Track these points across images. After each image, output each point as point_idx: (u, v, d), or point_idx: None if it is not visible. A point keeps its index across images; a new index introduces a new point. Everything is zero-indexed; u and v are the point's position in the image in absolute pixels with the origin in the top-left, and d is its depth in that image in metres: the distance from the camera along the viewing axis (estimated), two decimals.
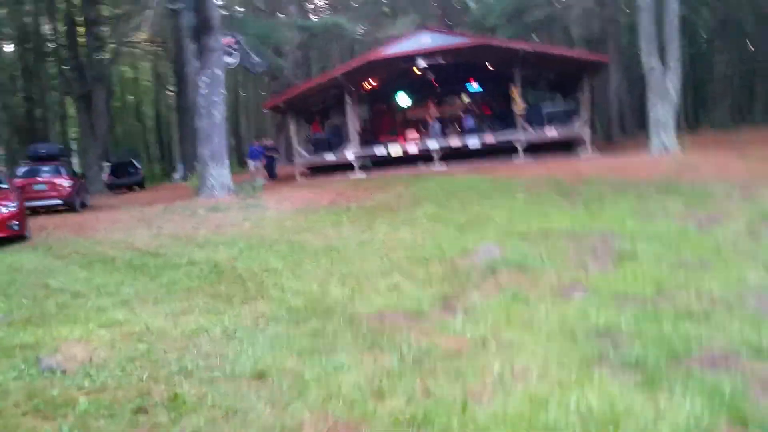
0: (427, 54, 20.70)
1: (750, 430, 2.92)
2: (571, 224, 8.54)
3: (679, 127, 20.17)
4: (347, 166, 21.18)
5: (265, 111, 31.22)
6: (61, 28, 26.88)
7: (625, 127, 29.91)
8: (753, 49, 31.93)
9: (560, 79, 25.24)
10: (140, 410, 3.65)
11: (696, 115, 35.48)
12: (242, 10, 32.31)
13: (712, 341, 4.00)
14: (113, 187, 25.35)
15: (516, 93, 21.68)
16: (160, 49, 38.19)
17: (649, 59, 17.78)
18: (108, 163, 26.51)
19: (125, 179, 26.42)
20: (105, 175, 25.77)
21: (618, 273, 5.99)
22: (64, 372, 4.22)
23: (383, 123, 26.27)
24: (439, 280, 6.31)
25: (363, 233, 9.44)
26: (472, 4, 36.59)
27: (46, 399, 3.77)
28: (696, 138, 22.50)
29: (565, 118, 21.75)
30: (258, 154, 22.87)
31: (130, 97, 47.09)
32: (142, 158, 37.49)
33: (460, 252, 7.37)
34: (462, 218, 9.88)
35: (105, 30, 27.44)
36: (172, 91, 40.17)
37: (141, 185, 26.74)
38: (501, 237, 8.00)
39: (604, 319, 4.66)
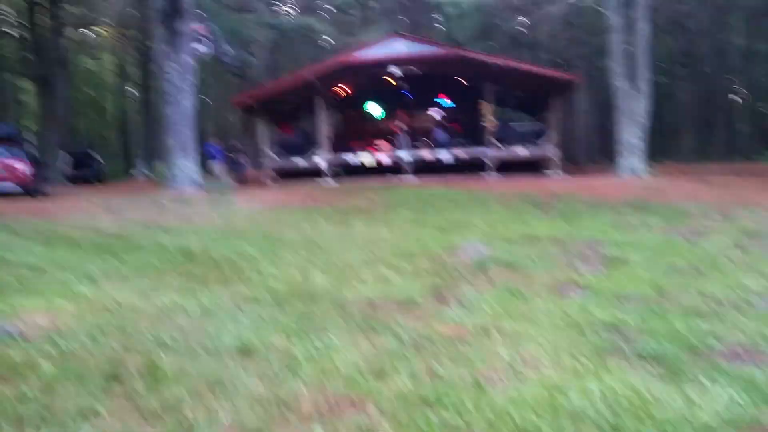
0: (399, 61, 20.56)
1: None
2: (554, 232, 8.42)
3: (647, 153, 20.55)
4: (317, 172, 20.80)
5: (233, 109, 30.56)
6: (22, 5, 25.80)
7: (592, 150, 30.43)
8: (712, 82, 33.02)
9: (530, 99, 25.49)
10: (113, 378, 3.26)
11: (658, 145, 36.41)
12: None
13: (730, 337, 3.84)
14: (72, 179, 24.28)
15: (487, 109, 21.76)
16: (124, 37, 37.22)
17: (618, 81, 18.03)
18: (67, 154, 25.44)
19: (85, 172, 25.38)
20: (64, 167, 24.68)
21: (612, 275, 5.84)
22: (25, 339, 3.77)
23: (354, 130, 25.99)
24: (427, 273, 6.06)
25: (341, 229, 9.13)
26: (442, 19, 36.97)
27: (5, 363, 3.33)
28: (661, 166, 22.97)
29: (534, 137, 21.93)
30: (216, 154, 21.44)
31: (91, 92, 45.73)
32: (103, 153, 36.25)
33: (446, 249, 7.14)
34: (441, 222, 9.67)
35: (68, 11, 26.42)
36: (137, 84, 39.07)
37: (101, 179, 25.75)
38: (485, 239, 7.80)
39: (608, 315, 4.48)
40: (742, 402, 2.88)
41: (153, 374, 3.33)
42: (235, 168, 21.38)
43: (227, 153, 21.84)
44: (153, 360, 3.50)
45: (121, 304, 4.72)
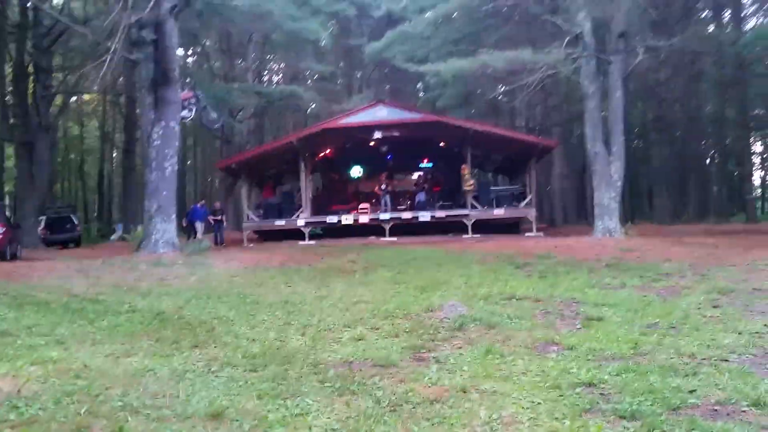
0: (382, 126, 21.03)
1: None
2: (532, 291, 8.42)
3: (622, 214, 20.89)
4: (297, 233, 20.81)
5: (217, 170, 30.70)
6: (9, 72, 26.06)
7: (567, 212, 30.88)
8: (685, 146, 34.01)
9: (508, 162, 26.06)
10: None
11: (633, 207, 37.10)
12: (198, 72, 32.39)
13: (708, 394, 3.82)
14: (48, 243, 23.95)
15: (466, 171, 22.15)
16: (110, 104, 37.68)
17: (594, 145, 18.49)
18: (44, 217, 25.19)
19: (61, 235, 25.06)
20: (40, 230, 24.37)
21: (589, 334, 5.82)
22: None
23: (336, 192, 26.21)
24: (405, 333, 5.99)
25: (319, 290, 9.04)
26: (423, 87, 38.00)
27: None
28: (636, 227, 23.31)
29: (512, 199, 22.30)
30: (202, 215, 21.40)
31: (73, 156, 45.80)
32: (81, 217, 35.95)
33: (424, 309, 7.09)
34: (420, 281, 9.63)
35: (55, 78, 26.79)
36: (119, 148, 39.26)
37: (77, 242, 25.41)
38: (464, 298, 7.77)
39: (586, 373, 4.44)
40: None
41: None
42: (217, 230, 21.26)
43: (212, 215, 21.75)
44: (120, 425, 3.39)
45: (90, 369, 4.59)
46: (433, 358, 5.05)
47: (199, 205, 22.48)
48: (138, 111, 28.10)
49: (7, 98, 25.50)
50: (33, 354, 5.09)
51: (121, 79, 31.23)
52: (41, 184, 25.19)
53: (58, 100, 29.02)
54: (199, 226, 20.87)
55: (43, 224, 24.88)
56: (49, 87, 25.17)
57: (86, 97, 39.02)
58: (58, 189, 43.34)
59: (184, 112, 16.99)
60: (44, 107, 24.52)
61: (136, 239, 17.34)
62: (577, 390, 4.09)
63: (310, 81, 41.08)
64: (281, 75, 43.99)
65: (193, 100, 17.51)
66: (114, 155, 45.61)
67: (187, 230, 21.62)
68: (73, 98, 35.48)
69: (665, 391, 3.88)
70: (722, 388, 3.90)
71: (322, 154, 24.71)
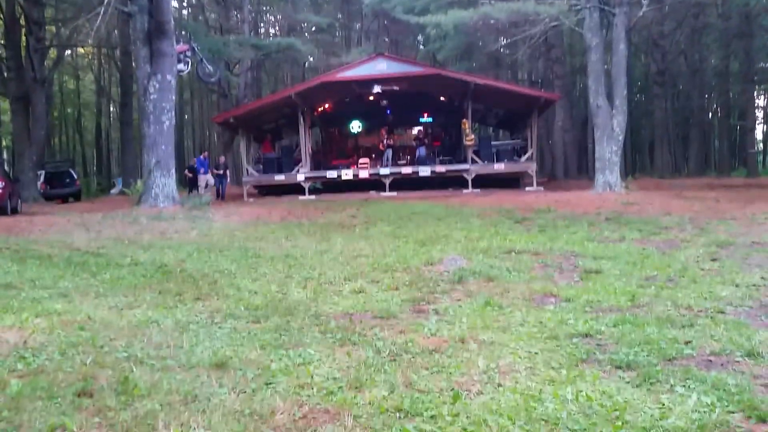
0: (382, 80, 20.77)
1: None
2: (532, 244, 8.46)
3: (624, 168, 20.85)
4: (297, 188, 20.81)
5: (215, 125, 30.46)
6: (1, 25, 25.56)
7: (568, 166, 30.79)
8: (687, 100, 33.76)
9: (509, 116, 25.84)
10: (84, 393, 3.20)
11: (634, 161, 37.03)
12: (194, 23, 31.75)
13: (703, 345, 3.88)
14: (48, 197, 23.95)
15: (467, 126, 22.00)
16: (105, 57, 37.12)
17: (596, 98, 18.31)
18: (43, 171, 25.13)
19: (61, 189, 25.04)
20: (39, 184, 24.34)
21: (587, 286, 5.88)
22: None
23: (335, 147, 26.10)
24: (405, 286, 6.05)
25: (319, 244, 9.09)
26: (423, 40, 37.38)
27: None
28: (636, 181, 23.30)
29: (512, 153, 22.21)
30: (206, 166, 21.25)
31: (70, 110, 45.36)
32: (80, 171, 35.84)
33: (424, 262, 7.15)
34: (420, 236, 9.67)
35: (48, 31, 26.32)
36: (116, 102, 38.84)
37: (77, 197, 25.40)
38: (464, 252, 7.83)
39: (583, 324, 4.51)
40: (713, 407, 2.91)
41: (125, 389, 3.27)
42: (219, 183, 21.21)
43: (215, 169, 21.68)
44: (125, 375, 3.45)
45: (94, 320, 4.65)
46: (433, 310, 5.11)
47: (202, 156, 22.26)
48: (133, 64, 27.73)
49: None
50: (37, 306, 5.15)
51: (115, 31, 30.67)
52: (38, 139, 25.05)
53: (52, 53, 28.61)
54: (203, 178, 20.73)
55: (42, 178, 24.84)
56: (42, 40, 24.74)
57: (81, 50, 38.43)
58: (56, 143, 43.13)
59: (180, 65, 16.77)
60: (38, 60, 24.16)
61: (136, 193, 17.32)
62: (574, 340, 4.15)
63: (307, 33, 40.36)
64: (278, 27, 43.18)
65: (188, 53, 17.25)
66: (111, 109, 45.19)
67: (190, 182, 21.62)
68: (68, 51, 34.96)
69: (661, 342, 3.94)
70: (718, 340, 3.96)
71: (321, 109, 24.48)
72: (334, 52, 35.46)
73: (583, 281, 6.17)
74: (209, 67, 18.66)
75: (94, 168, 46.52)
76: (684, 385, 3.22)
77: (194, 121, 47.91)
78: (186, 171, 22.82)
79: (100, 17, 15.70)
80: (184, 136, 44.48)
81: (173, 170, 15.86)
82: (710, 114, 39.09)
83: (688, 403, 2.97)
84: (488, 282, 6.15)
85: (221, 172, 21.46)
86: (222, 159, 22.98)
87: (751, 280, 5.77)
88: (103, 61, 40.08)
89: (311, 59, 38.47)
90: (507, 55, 32.90)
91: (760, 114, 44.40)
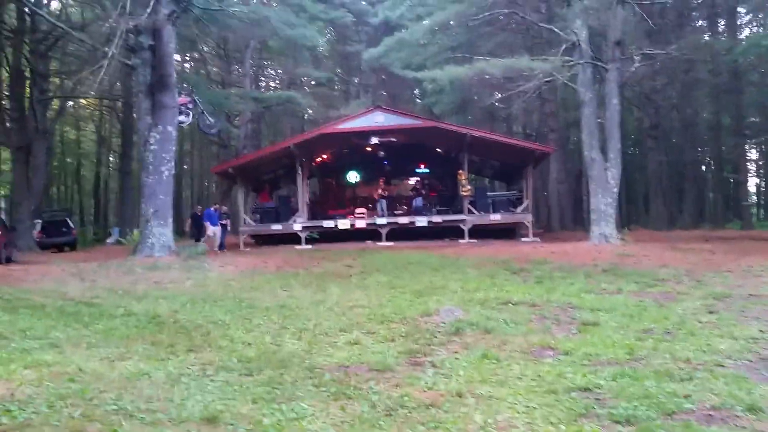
0: (379, 132, 21.06)
1: None
2: (529, 296, 8.42)
3: (619, 220, 20.94)
4: (293, 238, 20.80)
5: (214, 175, 30.65)
6: (6, 76, 26.03)
7: (564, 218, 30.92)
8: (681, 153, 34.18)
9: (505, 168, 26.09)
10: None
11: (630, 213, 37.19)
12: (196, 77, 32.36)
13: (702, 399, 3.82)
14: (44, 246, 23.85)
15: (463, 177, 22.18)
16: (107, 108, 37.63)
17: (590, 151, 18.55)
18: (40, 221, 25.12)
19: (57, 238, 24.97)
20: (36, 233, 24.30)
21: (585, 339, 5.83)
22: None
23: (332, 197, 26.23)
24: (401, 337, 5.99)
25: (315, 294, 9.02)
26: (420, 94, 38.09)
27: None
28: (632, 233, 23.36)
29: (508, 204, 22.33)
30: (215, 219, 20.12)
31: (69, 160, 45.78)
32: (77, 220, 35.81)
33: (421, 313, 7.09)
34: (417, 286, 9.62)
35: (52, 83, 26.80)
36: (115, 152, 39.23)
37: (73, 246, 25.30)
38: (460, 303, 7.77)
39: (582, 378, 4.45)
40: None
41: None
42: (221, 234, 20.89)
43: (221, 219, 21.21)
44: (114, 429, 3.37)
45: (85, 372, 4.57)
46: (429, 362, 5.05)
47: (213, 208, 21.07)
48: (135, 115, 28.09)
49: (3, 102, 25.45)
50: (27, 357, 5.07)
51: (118, 84, 31.21)
52: (37, 188, 25.15)
53: (55, 104, 29.00)
54: (214, 230, 19.68)
55: (39, 227, 24.80)
56: (46, 91, 25.17)
57: (83, 101, 38.99)
58: (54, 193, 43.25)
59: (181, 117, 16.98)
60: (41, 111, 24.49)
61: (133, 243, 17.28)
62: (573, 395, 4.09)
63: (307, 87, 41.11)
64: (278, 81, 44.01)
65: (190, 105, 17.50)
66: (111, 159, 45.53)
67: (193, 232, 21.18)
68: (70, 103, 35.46)
69: (660, 396, 3.89)
70: (717, 393, 3.91)
71: (319, 159, 24.72)
72: (333, 105, 36.09)
73: (581, 333, 6.12)
74: (210, 119, 18.91)
75: (92, 217, 46.53)
76: None
77: (193, 172, 48.22)
78: (189, 219, 22.48)
79: (103, 69, 15.99)
80: (183, 186, 44.69)
81: (170, 220, 15.87)
82: (704, 167, 39.54)
83: None
84: (485, 334, 6.09)
85: (224, 222, 21.18)
86: (224, 208, 22.64)
87: (749, 333, 5.73)
88: (104, 112, 40.60)
89: (310, 112, 39.05)
90: (502, 109, 33.48)
91: (752, 167, 44.97)
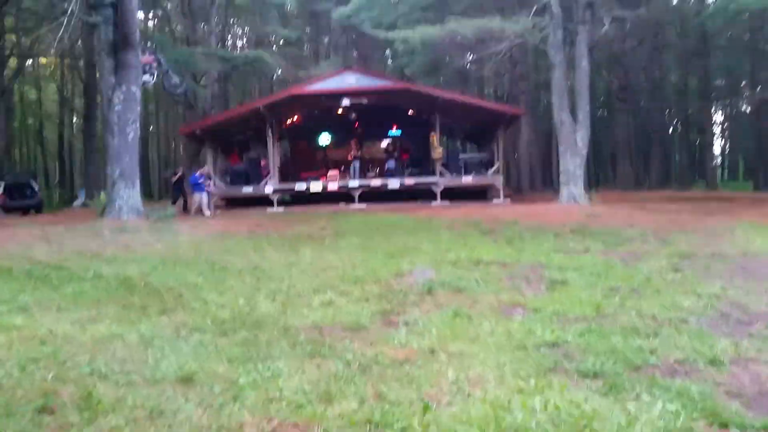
0: (351, 94, 20.82)
1: (731, 430, 2.83)
2: (499, 256, 8.54)
3: (587, 181, 21.25)
4: (265, 201, 20.65)
5: (181, 137, 30.07)
6: None
7: (534, 180, 31.27)
8: (649, 115, 34.66)
9: (476, 130, 26.15)
10: (45, 410, 3.11)
11: (598, 174, 37.80)
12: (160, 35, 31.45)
13: (667, 353, 3.96)
14: (8, 210, 23.25)
15: (435, 139, 22.17)
16: (69, 68, 36.43)
17: (560, 114, 18.67)
18: (2, 183, 24.40)
19: (22, 201, 24.33)
20: (0, 196, 23.64)
21: (554, 297, 5.96)
22: None
23: (304, 160, 26.00)
24: (375, 297, 6.04)
25: (288, 256, 9.01)
26: (391, 55, 37.64)
27: None
28: (600, 193, 23.76)
29: (479, 166, 22.45)
30: (202, 186, 18.54)
31: (31, 121, 44.33)
32: (41, 183, 34.93)
33: (393, 274, 7.15)
34: (389, 248, 9.67)
35: (8, 40, 25.76)
36: (79, 113, 38.12)
37: (39, 209, 24.70)
38: (433, 264, 7.85)
39: (550, 334, 4.57)
40: (678, 414, 2.97)
41: (88, 405, 3.19)
42: (209, 197, 19.95)
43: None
44: (88, 390, 3.36)
45: (56, 335, 4.53)
46: (403, 321, 5.11)
47: (198, 173, 19.52)
48: (98, 75, 27.23)
49: None
50: None
51: (79, 42, 30.16)
52: None
53: (13, 63, 27.94)
54: (200, 197, 18.34)
55: (1, 190, 24.14)
56: (2, 49, 24.20)
57: (43, 60, 37.67)
58: (16, 155, 42.02)
59: (146, 77, 16.52)
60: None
61: (100, 205, 16.94)
62: (542, 350, 4.21)
63: (275, 46, 40.29)
64: (246, 40, 43.03)
65: (154, 64, 17.01)
66: (74, 120, 44.30)
67: (174, 193, 20.52)
68: (29, 61, 34.22)
69: (627, 352, 4.02)
70: (681, 348, 4.06)
71: (289, 121, 24.39)
72: (303, 66, 35.43)
73: (550, 292, 6.25)
74: (175, 78, 18.42)
75: (57, 180, 45.44)
76: (650, 393, 3.28)
77: (159, 133, 47.23)
78: (171, 177, 21.47)
79: (63, 27, 15.41)
80: (149, 148, 43.81)
81: (138, 182, 15.59)
82: (670, 129, 40.19)
83: (654, 410, 3.03)
84: (457, 293, 6.18)
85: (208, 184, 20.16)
86: (206, 169, 21.41)
87: (712, 290, 5.92)
88: (66, 71, 39.31)
89: (279, 72, 38.35)
90: (474, 71, 33.32)
91: (717, 129, 45.88)
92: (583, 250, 9.20)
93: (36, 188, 25.62)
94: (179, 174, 21.46)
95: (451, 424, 2.94)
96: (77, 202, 29.33)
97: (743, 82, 36.33)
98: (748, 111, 40.28)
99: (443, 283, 6.50)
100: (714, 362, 3.74)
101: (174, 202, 20.10)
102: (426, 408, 3.13)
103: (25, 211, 23.85)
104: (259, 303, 5.90)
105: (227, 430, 2.95)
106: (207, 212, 18.25)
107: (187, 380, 3.65)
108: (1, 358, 3.85)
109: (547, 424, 2.92)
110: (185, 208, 19.46)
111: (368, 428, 2.93)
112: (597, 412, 3.06)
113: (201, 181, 18.67)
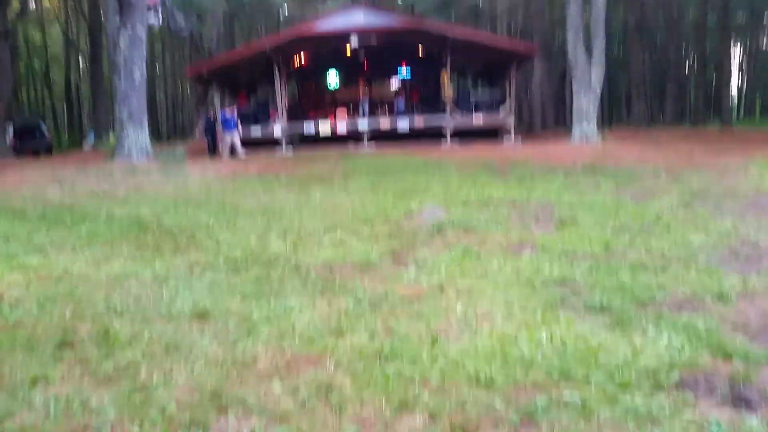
0: (359, 33, 20.35)
1: (734, 361, 2.87)
2: (509, 195, 8.53)
3: (601, 119, 20.94)
4: (273, 142, 20.55)
5: (188, 79, 29.73)
6: None
7: (546, 118, 30.82)
8: (664, 52, 33.75)
9: (488, 68, 25.63)
10: (64, 345, 3.21)
11: (611, 112, 37.20)
12: None
13: (674, 289, 3.99)
14: (18, 152, 23.38)
15: (446, 79, 21.78)
16: (72, 9, 35.79)
17: (575, 51, 18.24)
18: (11, 125, 24.44)
19: (32, 143, 24.47)
20: (9, 138, 23.71)
21: (563, 235, 5.97)
22: None
23: (312, 101, 25.70)
24: (385, 237, 6.08)
25: (298, 197, 9.05)
26: None
27: None
28: (613, 132, 23.45)
29: (491, 106, 22.11)
30: (232, 123, 17.55)
31: (37, 64, 43.89)
32: (50, 125, 34.90)
33: (403, 213, 7.18)
34: (399, 188, 9.67)
35: None
36: (85, 55, 37.66)
37: (49, 151, 24.84)
38: (442, 203, 7.86)
39: (558, 271, 4.60)
40: (683, 347, 3.01)
41: (106, 340, 3.28)
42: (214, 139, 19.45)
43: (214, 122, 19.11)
44: (105, 326, 3.46)
45: (72, 274, 4.62)
46: (412, 259, 5.16)
47: (227, 111, 18.33)
48: (102, 16, 26.75)
49: None
50: (12, 261, 5.10)
51: None
52: (5, 92, 24.30)
53: (15, 3, 27.46)
54: (231, 137, 17.49)
55: (11, 133, 24.19)
56: None
57: (46, 1, 36.99)
58: (24, 98, 41.87)
59: (151, 17, 16.22)
60: (2, 12, 23.22)
61: (109, 147, 16.98)
62: (549, 287, 4.24)
63: None
64: None
65: (159, 5, 16.67)
66: (80, 62, 43.83)
67: (209, 143, 19.18)
68: (32, 3, 33.62)
69: (635, 287, 4.05)
70: (689, 284, 4.07)
71: (296, 62, 23.99)
72: (309, 2, 34.58)
73: (559, 230, 6.26)
74: (181, 18, 18.06)
75: (65, 122, 45.36)
76: (656, 328, 3.32)
77: (167, 75, 46.72)
78: (202, 127, 19.99)
79: None
80: (157, 91, 43.44)
81: (146, 123, 15.56)
82: (686, 67, 39.21)
83: (660, 344, 3.07)
84: (467, 232, 6.20)
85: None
86: (231, 108, 20.15)
87: (722, 228, 5.90)
88: (69, 13, 38.62)
89: (286, 10, 37.49)
90: (487, 7, 32.42)
91: (735, 67, 44.68)
92: (594, 188, 9.15)
93: (45, 131, 25.66)
94: (212, 117, 20.04)
95: (459, 357, 3.01)
96: (87, 145, 29.39)
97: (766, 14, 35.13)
98: None
99: (453, 223, 6.52)
100: (721, 297, 3.76)
101: (213, 150, 18.73)
102: (434, 341, 3.20)
103: (35, 153, 23.97)
104: (271, 242, 5.96)
105: (242, 363, 3.03)
106: (240, 152, 17.40)
107: (201, 316, 3.74)
108: (20, 297, 3.95)
109: (553, 357, 2.98)
110: (215, 151, 18.61)
111: (378, 360, 3.01)
112: (603, 345, 3.11)
113: (230, 117, 17.67)
